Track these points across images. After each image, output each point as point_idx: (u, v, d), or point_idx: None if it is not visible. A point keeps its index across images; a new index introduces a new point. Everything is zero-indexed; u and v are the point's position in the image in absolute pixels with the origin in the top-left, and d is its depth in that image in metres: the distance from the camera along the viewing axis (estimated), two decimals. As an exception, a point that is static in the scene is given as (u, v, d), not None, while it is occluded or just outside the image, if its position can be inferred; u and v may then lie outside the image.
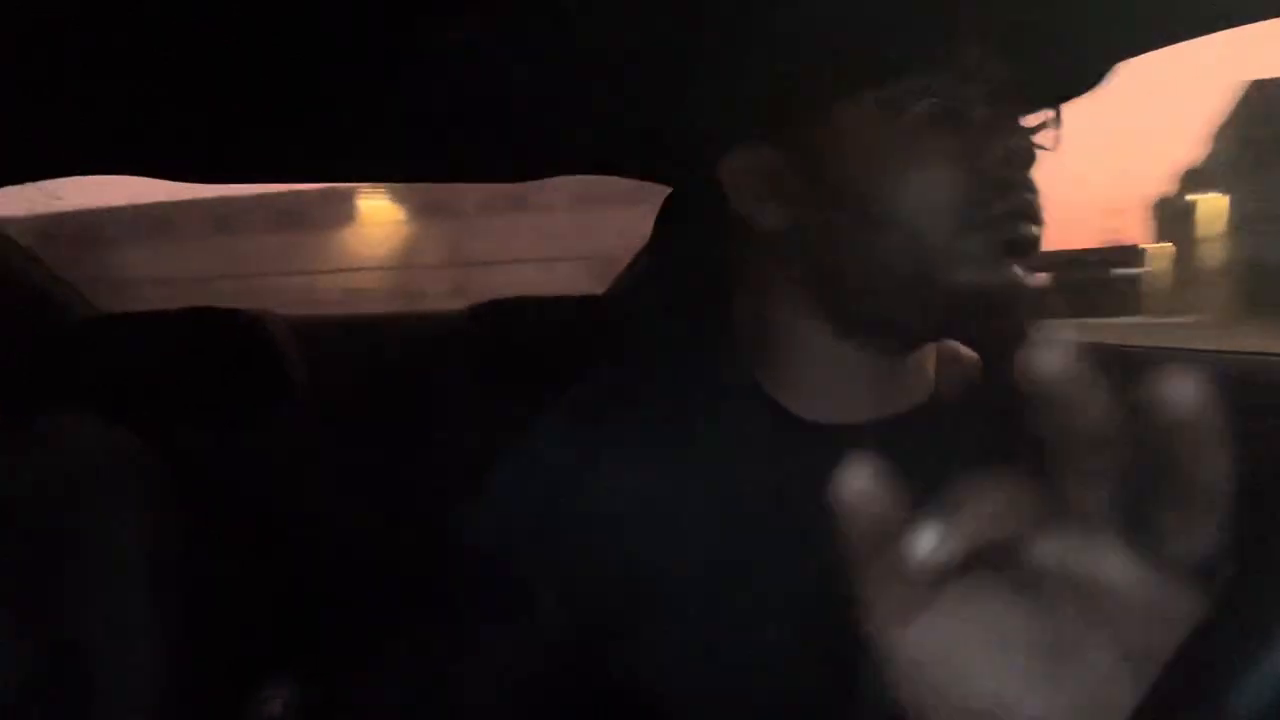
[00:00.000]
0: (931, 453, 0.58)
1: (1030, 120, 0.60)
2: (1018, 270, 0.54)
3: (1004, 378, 0.69)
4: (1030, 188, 0.55)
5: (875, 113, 0.55)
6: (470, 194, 18.98)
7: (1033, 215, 0.55)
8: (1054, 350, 0.30)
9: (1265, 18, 0.93)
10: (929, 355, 0.63)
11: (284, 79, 1.11)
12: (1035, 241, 0.55)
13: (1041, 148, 0.58)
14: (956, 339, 0.63)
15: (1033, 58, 0.57)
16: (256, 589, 1.32)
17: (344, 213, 27.29)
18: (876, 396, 0.61)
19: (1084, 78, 0.64)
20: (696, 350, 0.71)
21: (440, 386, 1.55)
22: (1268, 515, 0.38)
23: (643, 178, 1.70)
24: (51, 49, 0.94)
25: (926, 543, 0.33)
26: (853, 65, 0.55)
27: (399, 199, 25.00)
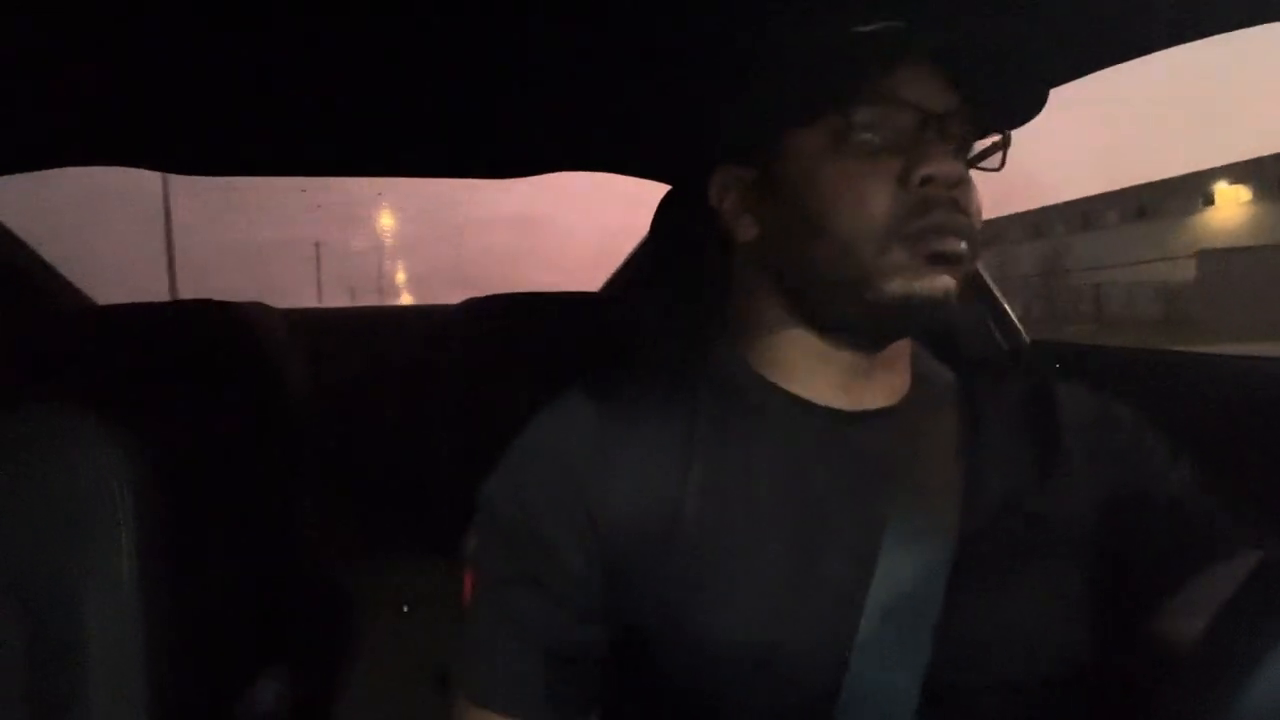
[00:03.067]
0: (913, 434, 0.67)
1: (973, 144, 0.66)
2: (940, 280, 0.61)
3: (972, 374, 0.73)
4: (956, 207, 0.61)
5: (821, 140, 0.63)
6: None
7: (955, 231, 0.61)
8: None
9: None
10: (903, 350, 0.70)
11: (279, 76, 1.11)
12: (958, 255, 0.61)
13: (987, 169, 0.67)
14: (906, 336, 0.69)
15: (971, 88, 0.63)
16: (247, 582, 1.32)
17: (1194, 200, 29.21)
18: (868, 385, 0.68)
19: (1023, 105, 0.67)
20: (698, 346, 0.74)
21: (435, 380, 1.55)
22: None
23: (643, 177, 1.71)
24: (47, 46, 0.94)
25: None
26: (802, 98, 0.64)
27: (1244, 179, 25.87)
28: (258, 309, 1.52)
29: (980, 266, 1.46)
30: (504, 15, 0.94)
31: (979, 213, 0.64)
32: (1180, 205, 31.99)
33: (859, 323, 0.65)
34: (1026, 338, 1.42)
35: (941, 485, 0.65)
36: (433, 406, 1.52)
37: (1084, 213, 36.29)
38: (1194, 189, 31.98)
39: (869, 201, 0.61)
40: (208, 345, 1.42)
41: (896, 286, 0.61)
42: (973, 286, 1.44)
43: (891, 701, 0.60)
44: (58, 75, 1.05)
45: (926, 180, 0.61)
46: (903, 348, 0.70)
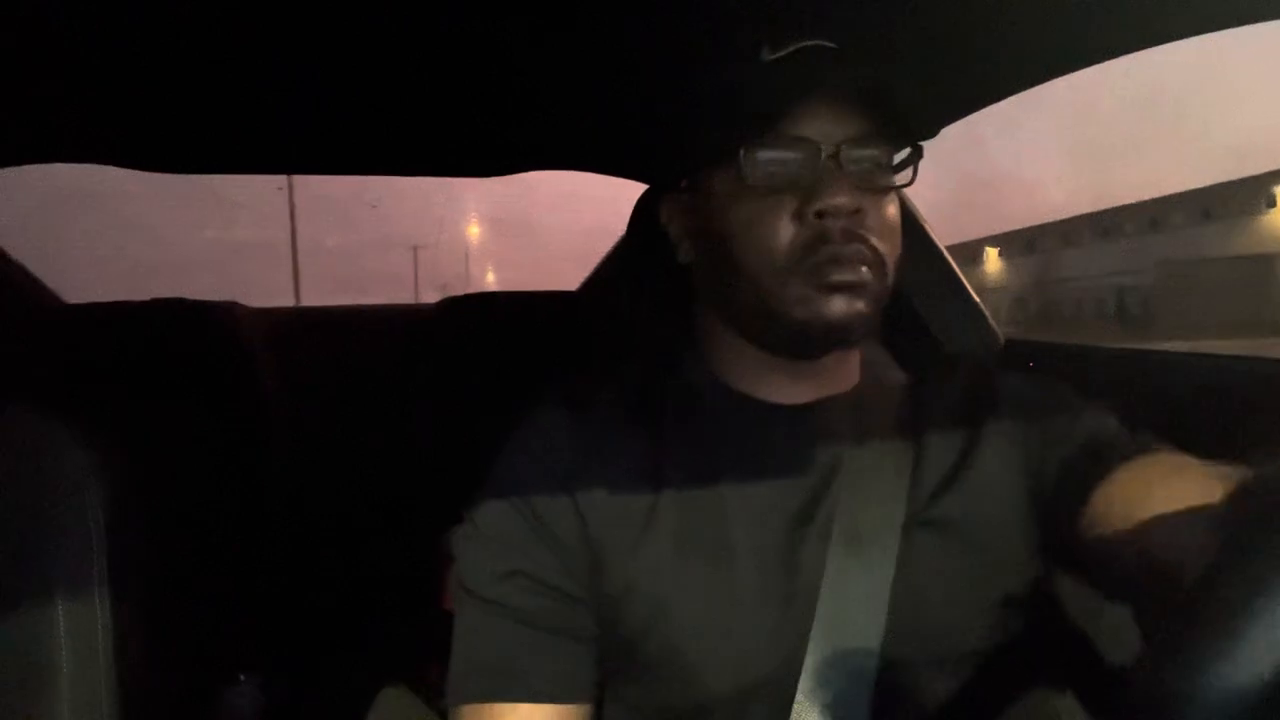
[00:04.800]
0: (859, 424, 0.71)
1: (883, 165, 0.68)
2: (839, 306, 0.65)
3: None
4: (852, 237, 0.65)
5: (728, 178, 0.67)
6: None
7: (851, 260, 0.65)
8: None
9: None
10: (850, 354, 0.75)
11: (260, 74, 1.10)
12: (855, 283, 0.65)
13: (898, 186, 0.69)
14: (827, 354, 0.72)
15: (866, 121, 0.66)
16: (222, 584, 1.30)
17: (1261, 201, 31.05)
18: (816, 381, 0.73)
19: (920, 132, 0.70)
20: (665, 350, 0.78)
21: (412, 379, 1.54)
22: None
23: (622, 176, 1.71)
24: (29, 43, 0.93)
25: None
26: (707, 137, 0.69)
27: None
28: (231, 308, 1.51)
29: (956, 269, 1.48)
30: (483, 15, 0.93)
31: (891, 231, 0.68)
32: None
33: (778, 344, 0.71)
34: (1001, 338, 1.43)
35: (888, 462, 0.70)
36: (410, 405, 1.51)
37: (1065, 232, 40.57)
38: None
39: (769, 237, 0.66)
40: (180, 345, 1.41)
41: (799, 314, 0.66)
42: (950, 289, 1.45)
43: (850, 678, 0.64)
44: (33, 72, 1.04)
45: (820, 214, 0.64)
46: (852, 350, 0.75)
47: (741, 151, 0.65)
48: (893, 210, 0.69)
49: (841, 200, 0.64)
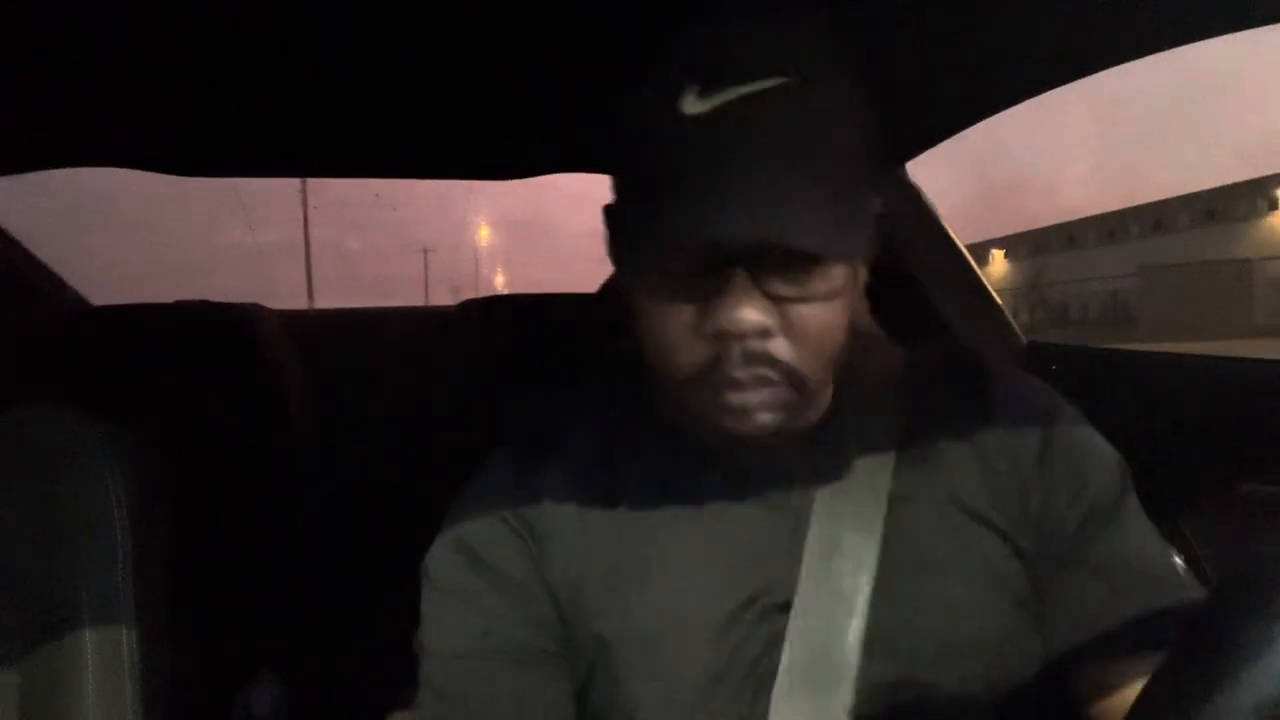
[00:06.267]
0: (832, 450, 0.66)
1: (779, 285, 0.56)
2: (745, 425, 0.58)
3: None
4: (753, 358, 0.56)
5: (643, 279, 0.59)
6: None
7: (752, 384, 0.57)
8: None
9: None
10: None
11: (277, 77, 1.11)
12: (754, 406, 0.57)
13: (813, 295, 0.57)
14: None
15: (793, 218, 0.53)
16: (244, 584, 1.31)
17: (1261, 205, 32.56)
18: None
19: (854, 247, 0.60)
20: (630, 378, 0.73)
21: (433, 381, 1.55)
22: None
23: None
24: (46, 47, 0.94)
25: None
26: (614, 238, 0.61)
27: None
28: (254, 310, 1.52)
29: (978, 270, 1.47)
30: (498, 19, 0.94)
31: (819, 335, 0.58)
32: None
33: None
34: (1024, 339, 1.42)
35: (866, 485, 0.65)
36: (431, 406, 1.52)
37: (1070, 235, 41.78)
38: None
39: (669, 350, 0.58)
40: (205, 347, 1.42)
41: (710, 423, 0.60)
42: (971, 290, 1.45)
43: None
44: (56, 75, 1.05)
45: (718, 335, 0.55)
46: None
47: (643, 234, 0.56)
48: (821, 312, 0.57)
49: (743, 319, 0.54)
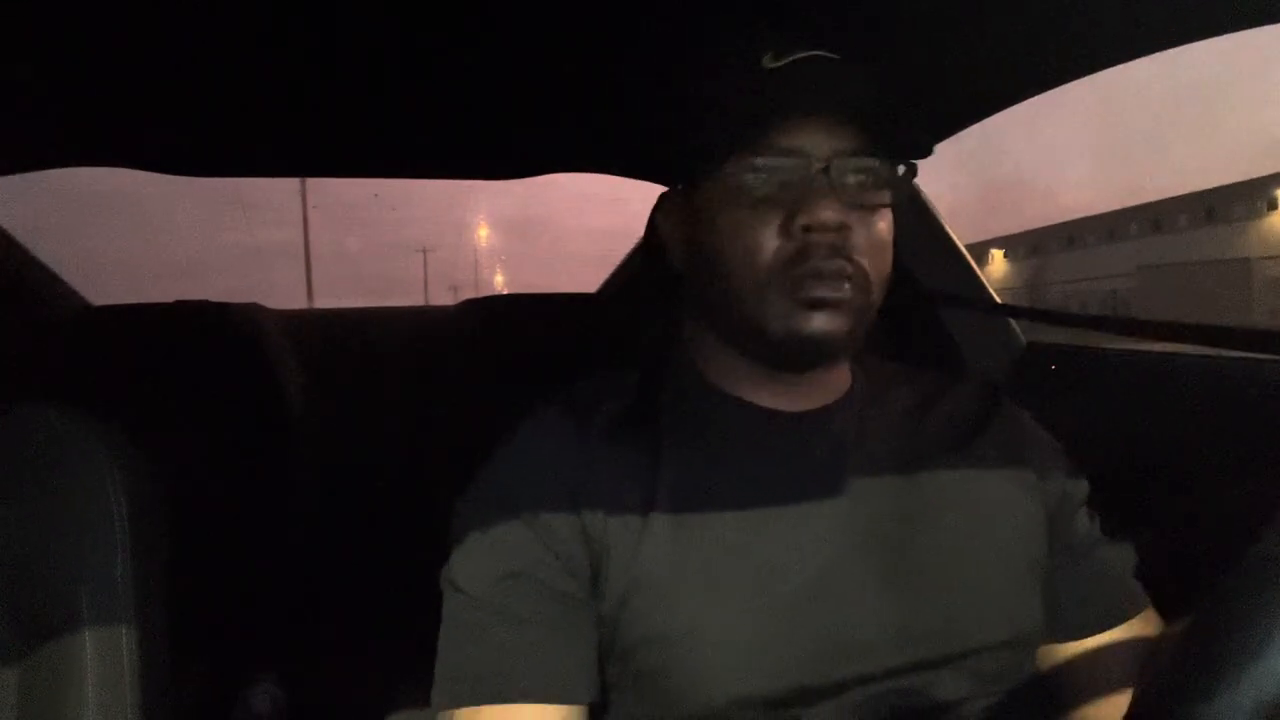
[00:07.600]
0: (860, 429, 0.72)
1: (875, 179, 0.67)
2: (816, 322, 0.65)
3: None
4: (836, 252, 0.64)
5: (718, 187, 0.67)
6: None
7: (833, 275, 0.64)
8: None
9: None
10: (841, 366, 0.75)
11: (278, 77, 1.11)
12: (833, 300, 0.65)
13: (885, 204, 0.68)
14: (808, 369, 0.71)
15: (860, 135, 0.65)
16: (243, 584, 1.31)
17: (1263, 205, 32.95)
18: (807, 390, 0.72)
19: (914, 150, 0.70)
20: (664, 353, 0.78)
21: (432, 381, 1.55)
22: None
23: (637, 177, 1.71)
24: (46, 46, 0.94)
25: None
26: (700, 146, 0.69)
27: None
28: (254, 310, 1.52)
29: (978, 271, 1.47)
30: (500, 17, 0.94)
31: (879, 249, 0.67)
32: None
33: (760, 356, 0.70)
34: (1023, 340, 1.42)
35: (880, 467, 0.70)
36: (431, 406, 1.52)
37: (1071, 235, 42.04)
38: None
39: (753, 250, 0.65)
40: (204, 347, 1.42)
41: (776, 329, 0.66)
42: (971, 291, 1.45)
43: (857, 686, 0.63)
44: (56, 75, 1.05)
45: (807, 229, 0.64)
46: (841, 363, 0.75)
47: (732, 158, 0.65)
48: (883, 227, 0.68)
49: (828, 215, 0.63)
